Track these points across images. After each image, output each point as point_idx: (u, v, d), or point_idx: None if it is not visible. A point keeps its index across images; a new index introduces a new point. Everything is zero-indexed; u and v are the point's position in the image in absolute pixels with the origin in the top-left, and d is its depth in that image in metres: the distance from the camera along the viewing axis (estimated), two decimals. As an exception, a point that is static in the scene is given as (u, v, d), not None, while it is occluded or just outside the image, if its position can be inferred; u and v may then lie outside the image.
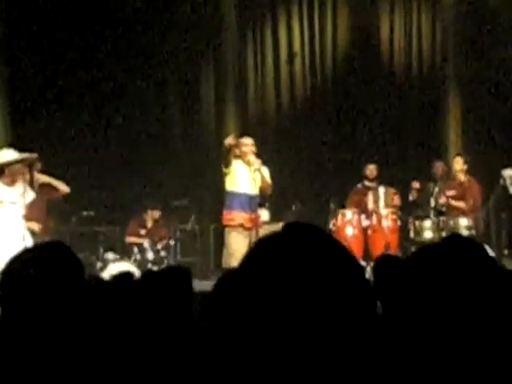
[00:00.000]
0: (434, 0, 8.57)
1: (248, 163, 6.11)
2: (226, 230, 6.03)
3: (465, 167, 7.07)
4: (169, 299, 2.14)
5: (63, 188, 6.12)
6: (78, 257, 1.65)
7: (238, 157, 6.20)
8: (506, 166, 6.74)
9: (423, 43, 8.64)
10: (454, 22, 8.26)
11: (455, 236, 1.34)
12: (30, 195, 5.73)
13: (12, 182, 5.65)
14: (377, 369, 0.90)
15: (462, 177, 7.10)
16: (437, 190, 7.21)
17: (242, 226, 5.94)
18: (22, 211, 5.64)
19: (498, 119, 7.95)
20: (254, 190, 6.11)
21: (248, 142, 6.20)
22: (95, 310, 1.82)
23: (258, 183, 6.16)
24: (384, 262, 2.98)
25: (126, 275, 2.53)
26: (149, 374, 1.57)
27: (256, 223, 5.95)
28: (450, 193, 7.04)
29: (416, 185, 7.21)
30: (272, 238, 0.94)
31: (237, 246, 5.80)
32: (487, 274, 1.20)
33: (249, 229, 5.90)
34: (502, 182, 6.63)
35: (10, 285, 1.48)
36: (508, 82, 7.89)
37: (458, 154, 7.28)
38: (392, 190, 7.50)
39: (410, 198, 7.28)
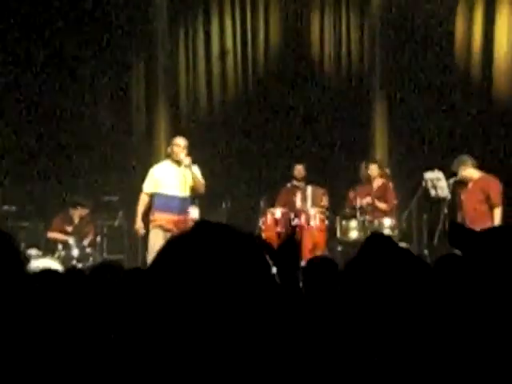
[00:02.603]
0: (362, 3, 8.80)
1: (178, 163, 6.12)
2: (150, 229, 6.07)
3: (379, 172, 7.35)
4: (102, 296, 2.11)
5: None
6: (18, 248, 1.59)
7: (167, 157, 6.22)
8: (427, 169, 7.03)
9: (352, 44, 8.85)
10: (381, 24, 8.52)
11: (376, 235, 1.40)
12: None
13: None
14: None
15: (379, 181, 7.38)
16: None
17: (161, 226, 6.01)
18: None
19: (422, 124, 8.26)
20: (182, 192, 6.14)
21: (180, 143, 6.21)
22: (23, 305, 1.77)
23: (189, 183, 6.17)
24: (314, 264, 3.05)
25: (50, 272, 2.47)
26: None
27: (181, 225, 6.01)
28: (368, 196, 7.28)
29: (352, 194, 7.40)
30: (180, 237, 0.95)
31: (155, 247, 5.87)
32: (406, 267, 1.26)
33: (168, 230, 5.97)
34: (423, 184, 6.91)
35: None
36: (434, 88, 8.20)
37: (373, 161, 7.53)
38: (320, 190, 7.65)
39: (346, 208, 7.44)
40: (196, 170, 6.25)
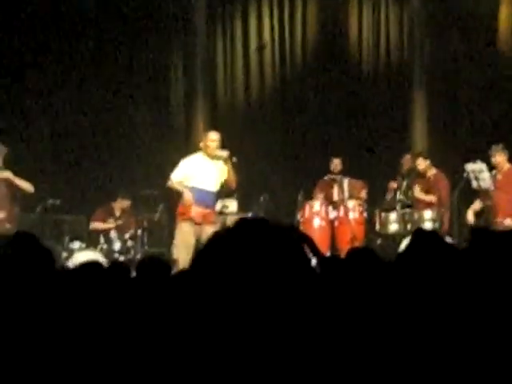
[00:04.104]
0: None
1: (211, 157, 6.16)
2: (178, 222, 6.13)
3: (427, 163, 7.22)
4: (149, 290, 2.15)
5: (27, 187, 6.11)
6: (47, 247, 1.64)
7: (200, 151, 6.26)
8: (468, 160, 6.90)
9: (391, 36, 8.73)
10: (421, 14, 8.38)
11: (420, 230, 1.39)
12: None
13: None
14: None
15: (428, 172, 7.25)
16: (405, 184, 7.33)
17: (191, 220, 6.06)
18: None
19: (464, 113, 8.10)
20: (213, 187, 6.18)
21: (214, 138, 6.23)
22: (65, 299, 1.82)
23: (222, 177, 6.21)
24: (355, 255, 3.02)
25: (94, 264, 2.52)
26: (123, 363, 1.58)
27: (210, 219, 6.07)
28: (418, 188, 7.18)
29: (394, 185, 7.31)
30: (221, 235, 0.97)
31: (184, 240, 5.97)
32: (444, 262, 1.25)
33: (198, 224, 6.02)
34: (465, 175, 6.79)
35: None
36: (476, 77, 8.02)
37: (419, 154, 7.40)
38: (358, 183, 7.59)
39: (387, 197, 7.35)
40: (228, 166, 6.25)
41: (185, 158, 6.36)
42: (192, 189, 6.16)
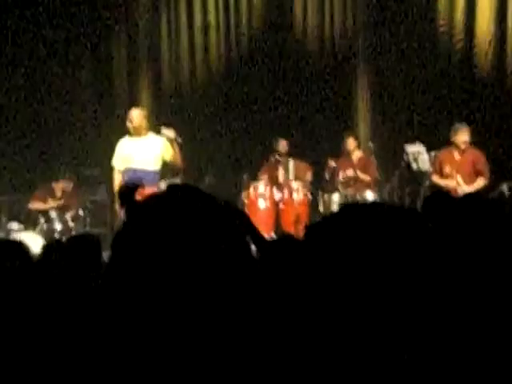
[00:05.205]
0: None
1: (142, 135, 6.00)
2: None
3: (356, 144, 7.39)
4: (78, 268, 2.11)
5: None
6: None
7: (129, 132, 6.12)
8: (409, 142, 7.06)
9: (335, 19, 8.79)
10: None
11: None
12: None
13: None
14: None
15: (358, 154, 7.41)
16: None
17: None
18: None
19: (407, 95, 8.24)
20: (149, 166, 6.02)
21: (133, 117, 6.02)
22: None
23: (166, 154, 6.07)
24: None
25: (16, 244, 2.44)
26: (59, 344, 1.55)
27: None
28: (350, 168, 7.32)
29: (332, 163, 7.41)
30: (152, 199, 0.90)
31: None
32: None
33: None
34: (405, 157, 6.95)
35: None
36: (419, 55, 8.16)
37: (350, 134, 7.56)
38: (304, 165, 7.66)
39: (326, 176, 7.46)
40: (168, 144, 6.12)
41: (119, 142, 6.21)
42: (129, 170, 6.03)
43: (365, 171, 7.33)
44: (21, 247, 1.68)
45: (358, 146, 7.49)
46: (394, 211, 0.92)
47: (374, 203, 0.95)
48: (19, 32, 8.33)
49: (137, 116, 6.04)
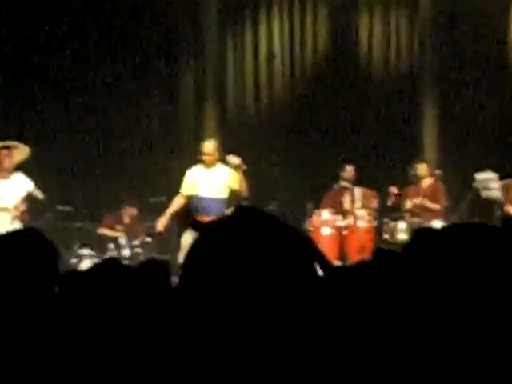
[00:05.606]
0: (413, 3, 8.67)
1: (211, 166, 6.19)
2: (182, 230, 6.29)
3: (428, 171, 7.23)
4: (147, 293, 2.15)
5: (39, 195, 6.14)
6: (50, 242, 1.64)
7: (200, 161, 6.34)
8: (479, 170, 6.86)
9: (401, 43, 8.74)
10: (432, 23, 8.38)
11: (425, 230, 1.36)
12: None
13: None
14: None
15: (428, 181, 7.24)
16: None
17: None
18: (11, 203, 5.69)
19: (477, 121, 8.05)
20: (216, 194, 6.22)
21: (206, 150, 6.28)
22: (71, 300, 1.82)
23: (233, 183, 6.24)
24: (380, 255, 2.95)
25: (111, 262, 2.50)
26: (125, 366, 1.58)
27: None
28: (418, 197, 7.16)
29: (394, 190, 7.30)
30: (221, 222, 0.90)
31: (186, 243, 6.03)
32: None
33: None
34: (474, 185, 6.75)
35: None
36: (489, 81, 7.98)
37: (422, 161, 7.41)
38: (370, 192, 7.57)
39: (389, 203, 7.35)
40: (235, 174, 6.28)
41: (188, 170, 6.45)
42: (197, 197, 6.23)
43: (434, 199, 7.15)
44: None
45: (430, 174, 7.31)
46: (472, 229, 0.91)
47: (447, 227, 0.94)
48: (91, 60, 8.69)
49: (209, 148, 6.30)
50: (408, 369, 1.08)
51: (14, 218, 5.79)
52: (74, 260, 6.93)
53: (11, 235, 1.61)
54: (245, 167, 6.23)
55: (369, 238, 7.15)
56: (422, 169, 7.27)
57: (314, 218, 7.25)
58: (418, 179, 7.29)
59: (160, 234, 6.54)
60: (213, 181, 6.24)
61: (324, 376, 0.89)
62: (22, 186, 5.88)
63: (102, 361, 1.50)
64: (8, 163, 5.83)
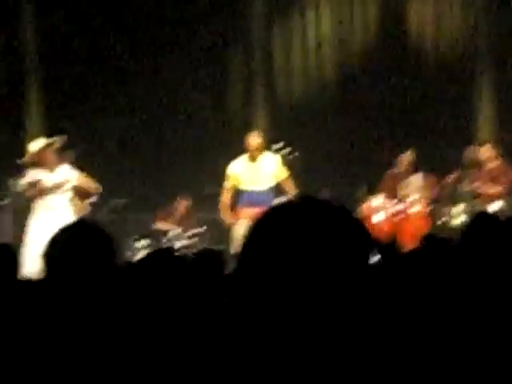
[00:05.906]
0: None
1: (254, 158, 6.25)
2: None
3: (493, 153, 6.94)
4: (201, 282, 2.18)
5: (95, 188, 6.28)
6: (108, 234, 1.67)
7: (247, 152, 6.40)
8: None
9: (454, 24, 8.49)
10: (485, 2, 8.11)
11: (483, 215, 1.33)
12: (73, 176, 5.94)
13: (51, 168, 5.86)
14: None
15: (493, 163, 6.97)
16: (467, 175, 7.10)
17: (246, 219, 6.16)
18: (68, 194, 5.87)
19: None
20: (262, 186, 6.27)
21: (252, 142, 6.35)
22: (128, 289, 1.86)
23: (280, 173, 6.29)
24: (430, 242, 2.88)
25: (164, 251, 2.53)
26: (179, 357, 1.60)
27: None
28: (480, 182, 6.93)
29: (450, 175, 7.09)
30: (281, 206, 0.91)
31: (238, 234, 6.14)
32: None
33: None
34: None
35: (51, 260, 1.54)
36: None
37: (487, 142, 7.14)
38: (429, 179, 7.38)
39: (446, 188, 7.16)
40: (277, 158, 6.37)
41: (232, 162, 6.48)
42: (241, 191, 6.28)
43: (498, 181, 6.86)
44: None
45: (495, 156, 7.00)
46: None
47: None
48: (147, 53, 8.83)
49: (254, 140, 6.34)
50: (468, 360, 1.06)
51: (28, 197, 5.97)
52: (129, 253, 7.07)
53: (70, 227, 1.65)
54: (286, 151, 6.35)
55: (423, 223, 7.02)
56: (487, 151, 6.96)
57: (367, 204, 7.16)
58: (480, 162, 7.00)
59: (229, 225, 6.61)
60: (259, 172, 6.29)
61: (378, 362, 0.88)
62: (67, 177, 6.01)
63: (156, 349, 1.53)
64: (52, 158, 5.97)
